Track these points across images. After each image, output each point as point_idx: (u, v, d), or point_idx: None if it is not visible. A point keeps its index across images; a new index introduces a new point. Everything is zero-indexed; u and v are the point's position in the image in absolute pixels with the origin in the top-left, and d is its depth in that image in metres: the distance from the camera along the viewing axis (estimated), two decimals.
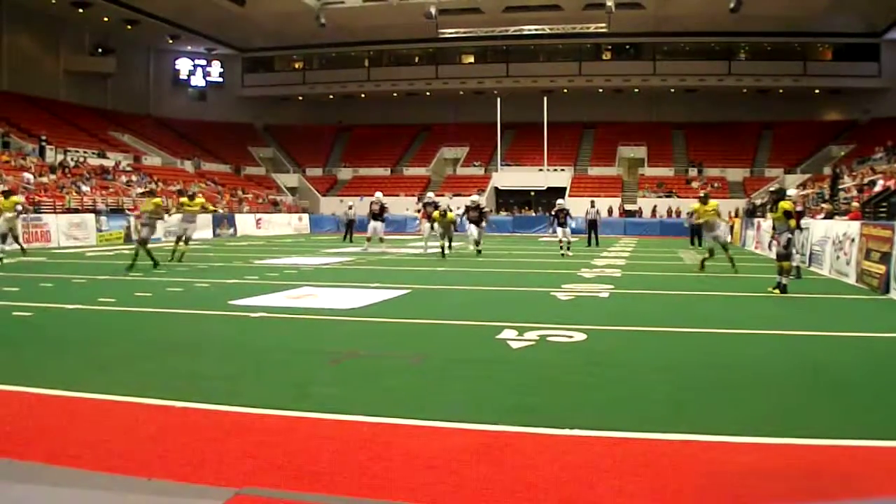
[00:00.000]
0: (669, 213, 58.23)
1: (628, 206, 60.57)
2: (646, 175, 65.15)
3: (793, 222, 16.55)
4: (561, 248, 28.87)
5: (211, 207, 21.99)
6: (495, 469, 5.13)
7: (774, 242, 16.93)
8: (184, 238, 22.69)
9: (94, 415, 6.58)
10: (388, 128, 74.23)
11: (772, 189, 17.67)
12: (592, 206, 38.51)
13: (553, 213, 30.95)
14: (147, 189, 23.78)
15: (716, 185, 61.53)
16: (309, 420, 6.29)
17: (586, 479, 4.99)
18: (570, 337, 10.27)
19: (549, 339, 10.09)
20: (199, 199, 23.54)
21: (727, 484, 4.91)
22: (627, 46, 67.52)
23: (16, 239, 22.63)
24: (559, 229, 29.33)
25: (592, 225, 37.06)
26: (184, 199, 23.25)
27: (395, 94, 73.23)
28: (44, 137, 48.94)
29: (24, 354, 9.11)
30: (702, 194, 22.22)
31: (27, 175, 41.10)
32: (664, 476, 5.03)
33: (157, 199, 22.75)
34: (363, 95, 73.86)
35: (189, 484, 4.80)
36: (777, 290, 16.13)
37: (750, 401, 7.12)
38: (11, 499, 4.55)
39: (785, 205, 16.44)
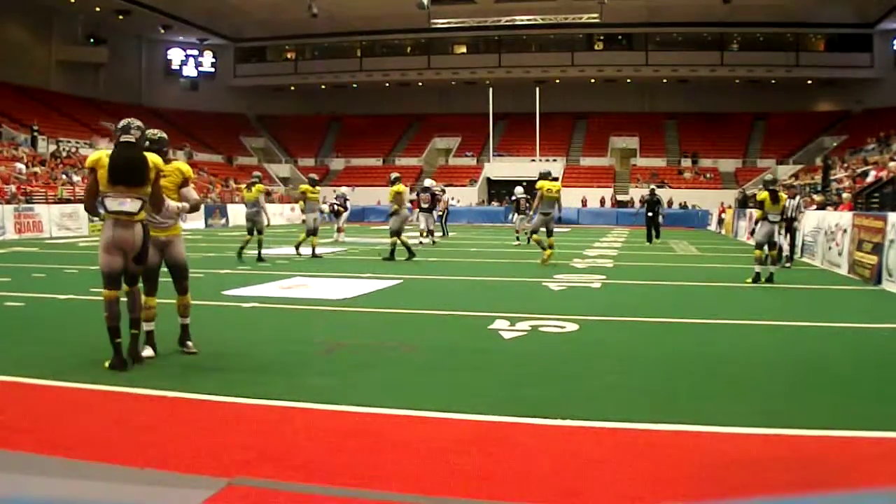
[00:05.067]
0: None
1: (620, 197, 60.67)
2: (638, 165, 65.26)
3: (758, 213, 16.75)
4: (517, 237, 29.50)
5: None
6: (488, 459, 5.13)
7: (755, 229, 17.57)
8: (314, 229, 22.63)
9: (85, 405, 6.58)
10: (380, 118, 74.18)
11: (766, 179, 17.87)
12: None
13: (513, 200, 31.11)
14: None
15: (708, 175, 61.66)
16: (300, 410, 6.30)
17: (578, 470, 5.00)
18: (563, 327, 10.28)
19: (541, 329, 10.11)
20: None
21: (719, 474, 4.92)
22: (620, 37, 67.48)
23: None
24: (517, 217, 29.93)
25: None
26: (305, 187, 23.05)
27: (387, 85, 73.18)
28: (36, 127, 48.76)
29: (16, 344, 9.10)
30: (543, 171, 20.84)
31: (19, 165, 41.00)
32: (656, 466, 5.04)
33: (303, 187, 23.23)
34: (355, 85, 73.81)
35: (181, 474, 4.80)
36: (749, 280, 16.25)
37: (742, 391, 7.14)
38: (2, 489, 4.55)
39: (761, 195, 16.68)
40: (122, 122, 7.89)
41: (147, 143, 8.15)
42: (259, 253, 20.80)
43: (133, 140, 7.75)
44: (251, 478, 4.73)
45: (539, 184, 19.96)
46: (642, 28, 64.32)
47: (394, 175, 22.64)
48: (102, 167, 7.65)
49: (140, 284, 8.11)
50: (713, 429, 5.83)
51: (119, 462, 5.01)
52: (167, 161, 8.38)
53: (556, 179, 21.09)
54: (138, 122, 7.89)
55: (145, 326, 8.31)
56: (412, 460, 5.14)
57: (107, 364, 7.64)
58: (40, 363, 7.92)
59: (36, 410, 6.36)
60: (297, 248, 22.66)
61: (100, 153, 7.87)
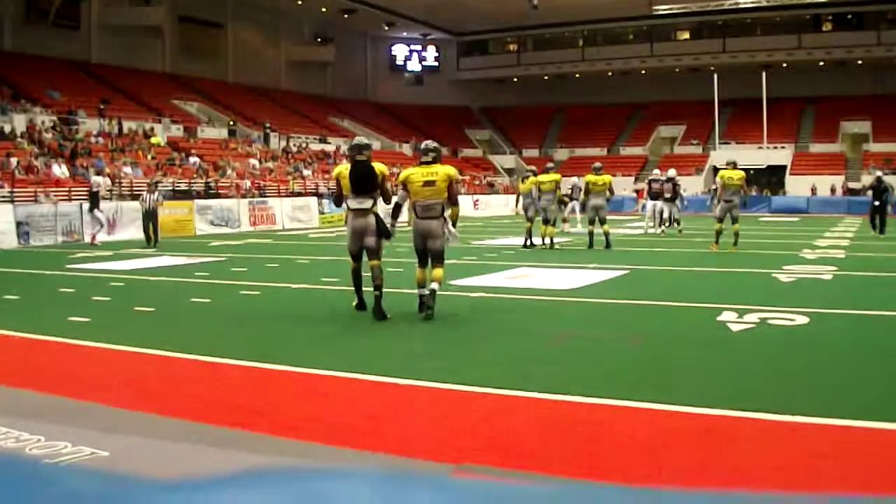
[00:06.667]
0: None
1: (852, 185, 58.26)
2: (871, 151, 62.43)
3: None
4: (663, 227, 28.23)
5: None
6: (713, 454, 5.07)
7: None
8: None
9: (317, 390, 6.82)
10: (603, 107, 73.36)
11: None
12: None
13: (648, 181, 30.01)
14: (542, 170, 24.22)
15: None
16: (526, 399, 6.33)
17: (805, 467, 4.89)
18: (792, 320, 9.95)
19: (770, 321, 9.82)
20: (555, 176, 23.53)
21: None
22: (849, 16, 64.69)
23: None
24: (651, 204, 28.50)
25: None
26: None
27: (609, 74, 72.40)
28: (268, 125, 50.79)
29: (253, 331, 9.53)
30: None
31: (253, 161, 42.83)
32: (882, 464, 4.88)
33: (556, 177, 23.21)
34: (577, 75, 73.49)
35: (409, 458, 4.92)
36: None
37: None
38: (236, 464, 4.77)
39: None
40: (355, 141, 10.92)
41: (426, 153, 10.92)
42: (529, 240, 22.60)
43: (365, 159, 10.30)
44: (477, 465, 4.81)
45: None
46: (873, 6, 61.45)
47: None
48: (344, 177, 10.30)
49: (379, 260, 10.31)
50: None
51: (343, 445, 5.18)
52: (432, 163, 10.70)
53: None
54: (366, 142, 10.92)
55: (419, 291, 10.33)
56: (635, 452, 5.12)
57: (353, 304, 10.56)
58: (273, 349, 8.26)
59: (270, 394, 6.66)
60: (550, 241, 22.31)
61: (341, 167, 10.73)
